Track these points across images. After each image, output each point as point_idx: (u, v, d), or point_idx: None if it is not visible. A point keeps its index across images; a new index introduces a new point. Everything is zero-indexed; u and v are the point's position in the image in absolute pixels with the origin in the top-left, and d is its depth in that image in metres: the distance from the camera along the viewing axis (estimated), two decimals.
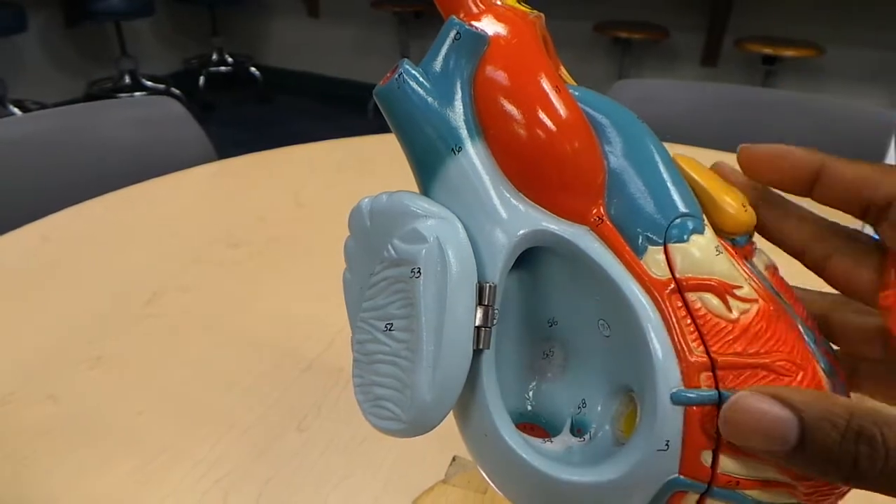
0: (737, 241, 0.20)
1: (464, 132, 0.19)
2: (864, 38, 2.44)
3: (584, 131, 0.19)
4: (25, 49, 2.91)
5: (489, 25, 0.19)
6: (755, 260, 0.20)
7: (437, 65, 0.19)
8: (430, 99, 0.19)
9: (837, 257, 0.21)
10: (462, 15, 0.20)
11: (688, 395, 0.17)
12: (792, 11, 2.50)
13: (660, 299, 0.18)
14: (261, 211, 0.72)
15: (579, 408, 0.20)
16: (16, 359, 0.49)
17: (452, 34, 0.19)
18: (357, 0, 3.21)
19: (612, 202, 0.19)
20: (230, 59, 3.49)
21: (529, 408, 0.21)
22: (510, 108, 0.19)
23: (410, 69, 0.19)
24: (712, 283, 0.18)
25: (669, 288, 0.18)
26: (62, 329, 0.52)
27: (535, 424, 0.21)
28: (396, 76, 0.20)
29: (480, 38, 0.19)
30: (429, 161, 0.19)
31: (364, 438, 0.41)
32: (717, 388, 0.17)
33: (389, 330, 0.19)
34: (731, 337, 0.18)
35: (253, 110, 3.35)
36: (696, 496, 0.18)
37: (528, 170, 0.19)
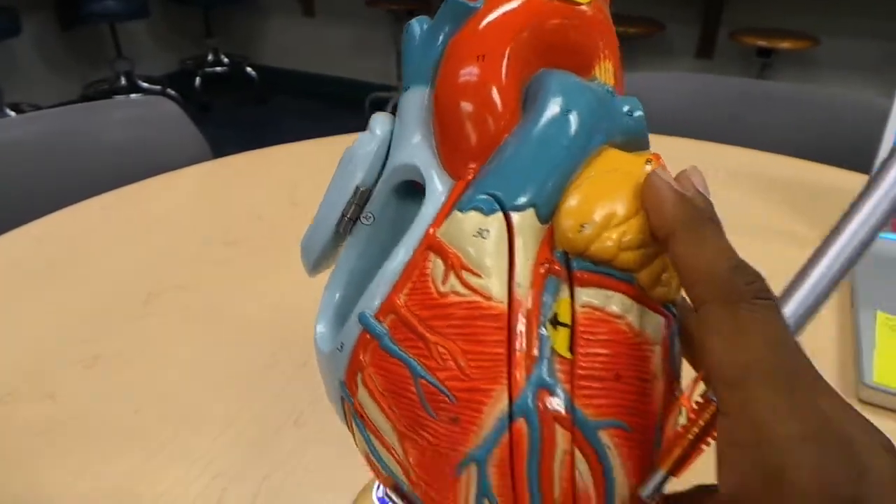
0: (570, 262, 0.19)
1: (420, 77, 0.22)
2: (860, 29, 2.44)
3: (485, 107, 0.20)
4: (20, 52, 2.90)
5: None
6: (591, 293, 0.18)
7: (434, 21, 0.22)
8: (413, 46, 0.23)
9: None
10: None
11: (367, 320, 0.20)
12: (787, 2, 2.50)
13: (418, 249, 0.20)
14: (257, 209, 0.72)
15: None
16: (13, 358, 0.49)
17: None
18: None
19: (485, 168, 0.20)
20: (226, 60, 3.49)
21: None
22: (446, 69, 0.21)
23: (415, 22, 0.23)
24: (450, 254, 0.19)
25: (430, 244, 0.20)
26: (59, 328, 0.52)
27: None
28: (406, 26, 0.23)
29: (462, 6, 0.21)
30: (403, 91, 0.23)
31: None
32: (385, 329, 0.19)
33: None
34: (426, 302, 0.19)
35: (249, 111, 3.34)
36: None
37: (437, 122, 0.21)
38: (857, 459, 0.15)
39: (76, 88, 3.14)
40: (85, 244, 0.66)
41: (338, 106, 3.33)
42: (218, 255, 0.63)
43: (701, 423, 0.17)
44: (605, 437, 0.18)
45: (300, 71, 3.61)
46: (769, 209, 0.73)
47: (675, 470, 0.17)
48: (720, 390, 0.16)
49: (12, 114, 2.65)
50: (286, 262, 0.62)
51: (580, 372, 0.18)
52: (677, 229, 0.18)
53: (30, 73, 2.97)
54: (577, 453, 0.18)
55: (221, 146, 0.93)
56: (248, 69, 3.49)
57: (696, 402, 0.18)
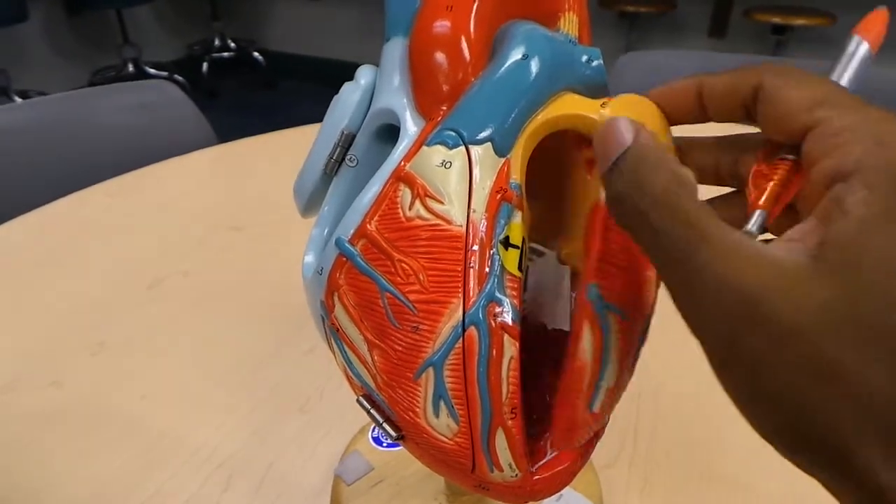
0: (511, 184, 0.21)
1: (400, 29, 0.23)
2: (878, 4, 2.38)
3: (455, 56, 0.22)
4: (27, 39, 2.90)
5: None
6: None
7: None
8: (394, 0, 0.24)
9: (743, 162, 0.21)
10: None
11: (342, 244, 0.22)
12: None
13: (389, 180, 0.22)
14: (262, 193, 0.72)
15: None
16: (19, 345, 0.49)
17: None
18: None
19: (454, 107, 0.22)
20: (232, 45, 3.47)
21: None
22: (420, 20, 0.22)
23: None
24: (417, 184, 0.21)
25: (400, 176, 0.21)
26: (65, 315, 0.52)
27: None
28: None
29: None
30: (385, 42, 0.25)
31: (366, 420, 0.41)
32: (357, 251, 0.21)
33: None
34: (393, 225, 0.21)
35: (258, 96, 3.33)
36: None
37: (412, 70, 0.23)
38: None
39: (84, 76, 3.14)
40: (89, 231, 0.65)
41: None
42: (223, 241, 0.63)
43: (783, 171, 0.19)
44: (610, 318, 0.21)
45: (308, 55, 3.58)
46: None
47: (772, 207, 0.18)
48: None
49: (20, 101, 2.65)
50: (292, 247, 0.62)
51: (597, 255, 0.20)
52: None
53: (37, 60, 2.97)
54: (586, 327, 0.20)
55: (230, 132, 0.92)
56: (256, 54, 3.47)
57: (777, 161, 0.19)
